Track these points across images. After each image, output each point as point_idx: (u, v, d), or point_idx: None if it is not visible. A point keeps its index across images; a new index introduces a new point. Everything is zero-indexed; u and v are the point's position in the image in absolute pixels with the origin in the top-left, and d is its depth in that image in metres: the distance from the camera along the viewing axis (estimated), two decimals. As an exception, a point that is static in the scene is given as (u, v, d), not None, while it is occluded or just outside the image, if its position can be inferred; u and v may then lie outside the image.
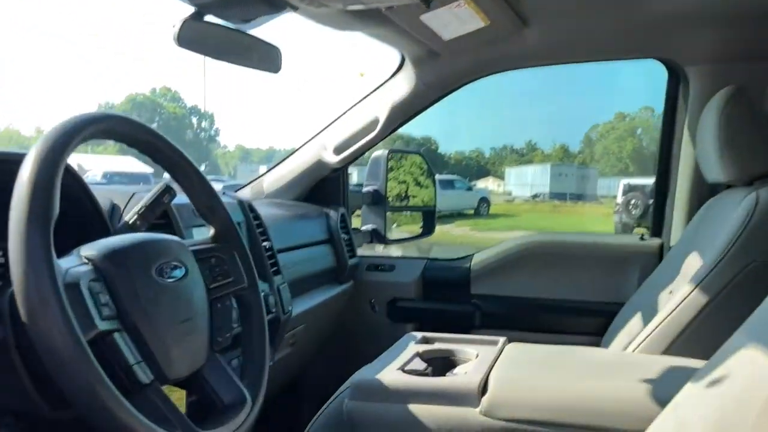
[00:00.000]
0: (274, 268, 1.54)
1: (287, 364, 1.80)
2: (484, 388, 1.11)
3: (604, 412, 1.03)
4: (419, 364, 1.24)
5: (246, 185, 2.19)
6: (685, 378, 1.00)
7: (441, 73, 1.90)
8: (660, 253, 1.98)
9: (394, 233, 2.52)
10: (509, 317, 2.03)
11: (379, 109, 2.01)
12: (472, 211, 19.46)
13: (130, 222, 1.04)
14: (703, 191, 1.86)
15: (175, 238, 0.92)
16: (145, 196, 1.09)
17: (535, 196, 27.29)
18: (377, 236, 2.36)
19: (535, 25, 1.71)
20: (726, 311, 1.36)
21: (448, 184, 19.28)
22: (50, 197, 0.72)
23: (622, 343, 1.62)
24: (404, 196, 2.61)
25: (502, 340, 1.37)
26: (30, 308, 0.66)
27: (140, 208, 1.05)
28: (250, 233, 1.49)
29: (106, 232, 1.07)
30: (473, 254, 2.18)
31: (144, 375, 0.76)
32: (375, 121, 2.00)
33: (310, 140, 2.14)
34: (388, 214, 2.38)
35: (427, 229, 2.53)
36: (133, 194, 1.21)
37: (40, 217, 0.70)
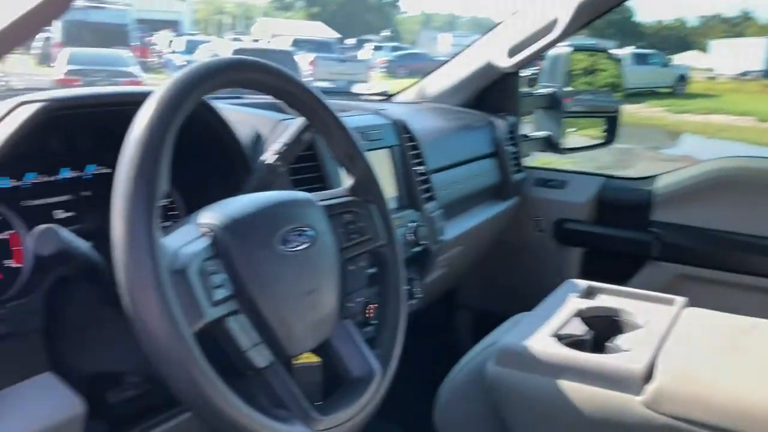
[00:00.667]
0: (428, 194, 1.44)
1: (441, 283, 1.73)
2: (649, 374, 0.96)
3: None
4: (578, 327, 1.10)
5: (409, 87, 2.06)
6: None
7: None
8: None
9: (571, 141, 2.30)
10: (693, 251, 1.79)
11: (561, 4, 1.76)
12: (667, 90, 17.85)
13: (270, 162, 0.97)
14: None
15: (306, 196, 0.84)
16: (287, 129, 1.01)
17: (743, 74, 24.41)
18: (551, 144, 2.16)
19: None
20: None
21: (642, 59, 17.73)
22: (158, 168, 0.65)
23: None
24: (585, 100, 2.35)
25: (678, 302, 1.19)
26: (130, 297, 0.62)
27: (280, 147, 0.98)
28: (404, 158, 1.38)
29: (247, 170, 1.01)
30: (657, 175, 1.92)
31: (260, 358, 0.71)
32: (554, 21, 1.75)
33: (479, 40, 1.94)
34: (565, 119, 2.16)
35: (609, 137, 2.28)
36: (279, 122, 1.13)
37: (145, 193, 0.63)
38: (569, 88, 2.20)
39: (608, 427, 0.95)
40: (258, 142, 1.11)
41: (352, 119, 1.31)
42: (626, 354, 1.00)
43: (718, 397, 0.90)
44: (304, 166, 1.13)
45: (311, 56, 14.24)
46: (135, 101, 0.71)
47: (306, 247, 0.78)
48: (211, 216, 0.73)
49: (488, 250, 1.99)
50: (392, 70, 19.26)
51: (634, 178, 1.98)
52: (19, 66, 11.41)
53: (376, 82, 16.33)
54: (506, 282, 2.07)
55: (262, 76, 0.81)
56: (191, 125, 0.95)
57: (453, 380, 1.17)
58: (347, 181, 0.93)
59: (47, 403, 0.78)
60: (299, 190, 1.08)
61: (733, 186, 1.77)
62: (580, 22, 1.73)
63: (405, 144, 1.39)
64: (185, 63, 14.07)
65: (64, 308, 0.80)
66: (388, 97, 2.08)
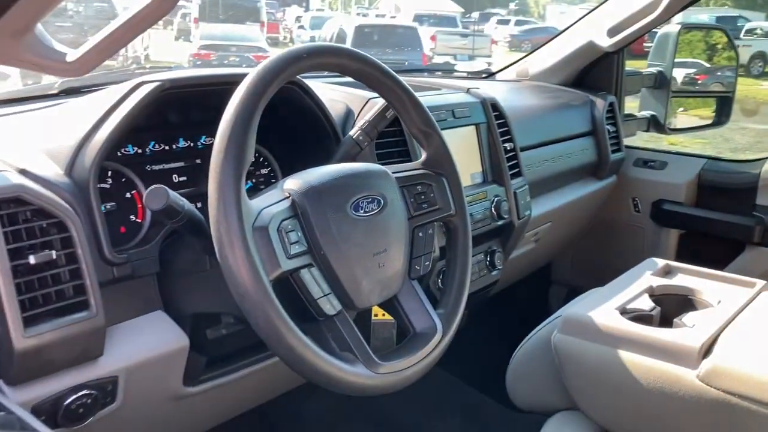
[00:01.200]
0: (515, 170, 1.49)
1: (531, 257, 1.79)
2: (708, 349, 0.98)
3: None
4: (645, 303, 1.13)
5: (510, 65, 2.10)
6: None
7: None
8: None
9: (678, 121, 2.26)
10: None
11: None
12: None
13: (355, 136, 1.08)
14: None
15: (379, 168, 0.93)
16: (374, 107, 1.11)
17: None
18: (656, 124, 2.13)
19: None
20: None
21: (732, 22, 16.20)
22: (245, 141, 0.77)
23: None
24: (695, 80, 2.29)
25: (759, 284, 1.19)
26: (220, 248, 0.74)
27: (364, 123, 1.08)
28: (490, 134, 1.44)
29: (338, 143, 1.12)
30: (765, 158, 1.86)
31: (330, 306, 0.82)
32: (656, 1, 1.73)
33: (580, 19, 1.94)
34: (672, 99, 2.12)
35: (721, 118, 2.21)
36: (368, 100, 1.23)
37: (234, 162, 0.75)
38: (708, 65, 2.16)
39: (664, 398, 0.98)
40: (348, 118, 1.22)
41: (441, 98, 1.40)
42: (688, 330, 1.02)
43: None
44: (391, 141, 1.23)
45: (433, 30, 14.25)
46: (234, 81, 0.83)
47: (375, 213, 0.88)
48: (293, 183, 0.85)
49: (584, 229, 2.01)
50: (516, 44, 18.88)
51: (738, 160, 1.93)
52: (159, 40, 12.23)
53: (499, 57, 16.10)
54: (601, 260, 2.08)
55: (340, 59, 0.90)
56: (288, 103, 1.07)
57: (524, 346, 1.23)
58: (423, 155, 1.02)
59: (158, 336, 0.94)
60: (384, 161, 1.19)
61: None
62: (683, 1, 1.71)
63: (493, 121, 1.45)
64: (311, 38, 14.54)
65: (174, 257, 0.95)
66: (490, 74, 2.13)
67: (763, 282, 1.20)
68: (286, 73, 0.83)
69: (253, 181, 1.18)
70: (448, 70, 2.33)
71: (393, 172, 0.96)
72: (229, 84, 0.86)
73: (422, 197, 0.98)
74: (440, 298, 0.99)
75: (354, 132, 1.08)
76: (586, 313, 1.08)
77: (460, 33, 14.82)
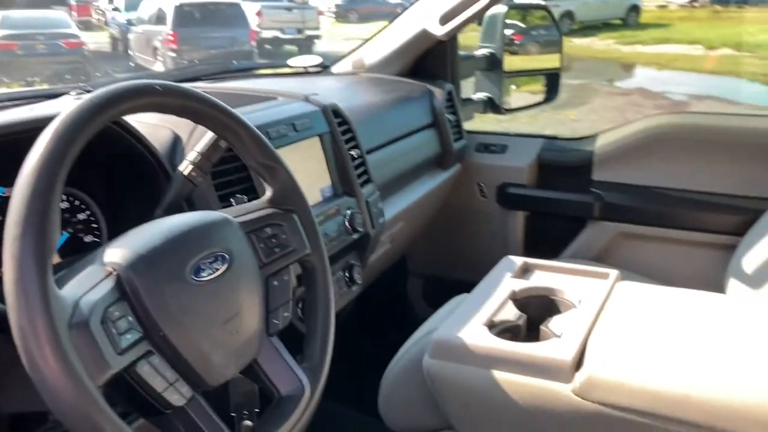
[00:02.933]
0: (364, 178, 1.42)
1: (386, 258, 1.74)
2: (579, 361, 0.98)
3: (726, 412, 0.88)
4: (511, 312, 1.11)
5: (345, 57, 2.01)
6: None
7: None
8: None
9: (513, 100, 2.30)
10: (634, 209, 1.82)
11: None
12: (619, 21, 17.83)
13: (187, 172, 0.94)
14: None
15: (219, 217, 0.82)
16: (205, 135, 0.98)
17: (692, 1, 24.47)
18: (492, 105, 2.15)
19: None
20: None
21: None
22: (47, 216, 0.62)
23: (766, 270, 1.40)
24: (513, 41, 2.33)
25: (612, 276, 1.21)
26: (28, 359, 0.60)
27: (195, 157, 0.95)
28: (336, 144, 1.36)
29: (167, 178, 0.99)
30: (598, 134, 1.93)
31: (179, 396, 0.70)
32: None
33: (414, 6, 1.90)
34: (505, 79, 2.15)
35: (551, 94, 2.27)
36: (196, 126, 1.09)
37: (36, 244, 0.61)
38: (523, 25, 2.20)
39: (541, 415, 0.97)
40: (176, 147, 1.08)
41: (278, 110, 1.29)
42: (556, 342, 1.01)
43: (647, 384, 0.92)
44: (230, 168, 1.11)
45: (258, 6, 13.83)
46: (35, 128, 0.68)
47: (221, 273, 0.77)
48: (116, 253, 0.71)
49: (434, 218, 2.00)
50: (342, 14, 18.85)
51: (573, 138, 1.99)
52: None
53: (326, 28, 15.99)
54: (454, 248, 2.08)
55: (159, 99, 0.77)
56: (101, 138, 0.91)
57: (394, 369, 1.18)
58: (267, 191, 0.91)
59: None
60: (226, 196, 1.07)
61: (669, 143, 1.79)
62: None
63: (336, 129, 1.37)
64: (127, 21, 13.59)
65: None
66: (324, 68, 2.04)
67: (616, 272, 1.22)
68: (96, 122, 0.69)
69: (71, 230, 1.01)
70: (280, 65, 2.20)
71: (236, 217, 0.85)
72: (28, 131, 0.70)
73: (273, 240, 0.88)
74: (304, 350, 0.90)
75: (184, 167, 0.94)
76: (455, 334, 1.04)
77: (285, 7, 14.49)
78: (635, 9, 18.59)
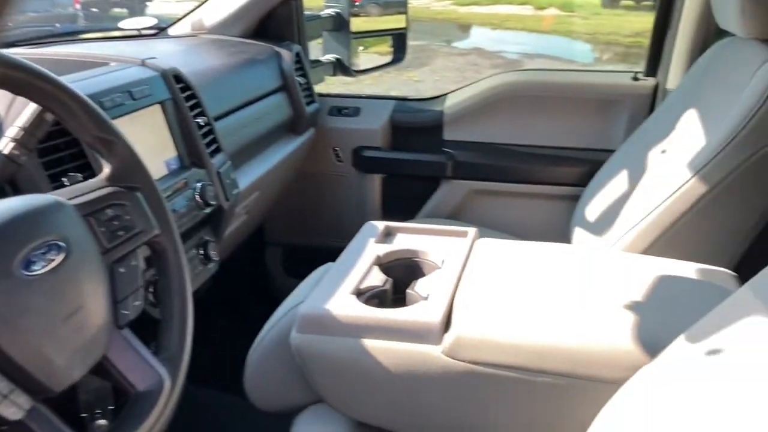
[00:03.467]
0: (213, 147, 1.33)
1: (243, 229, 1.66)
2: (447, 322, 0.98)
3: (585, 359, 0.91)
4: (377, 277, 1.09)
5: (183, 17, 1.88)
6: (689, 313, 0.88)
7: None
8: (654, 95, 1.77)
9: (361, 61, 2.26)
10: (485, 167, 1.87)
11: None
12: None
13: (7, 151, 0.82)
14: (710, 32, 1.61)
15: (51, 201, 0.71)
16: (26, 107, 0.86)
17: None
18: (342, 67, 2.11)
19: None
20: (722, 204, 1.20)
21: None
22: None
23: (605, 217, 1.49)
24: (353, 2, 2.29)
25: (471, 234, 1.22)
26: None
27: (17, 133, 0.82)
28: (180, 112, 1.26)
29: None
30: (446, 94, 1.95)
31: (16, 408, 0.61)
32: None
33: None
34: (353, 40, 2.11)
35: (399, 54, 2.27)
36: (15, 97, 0.96)
37: None
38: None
39: (414, 380, 0.96)
40: (-6, 122, 0.94)
41: (112, 77, 1.16)
42: (424, 304, 1.00)
43: (512, 338, 0.94)
44: (60, 144, 0.98)
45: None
46: None
47: (57, 264, 0.67)
48: None
49: (290, 186, 1.94)
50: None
51: (424, 98, 2.00)
52: None
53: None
54: (313, 215, 2.04)
55: None
56: None
57: (259, 347, 1.13)
58: (104, 168, 0.81)
59: None
60: (57, 175, 0.95)
61: (513, 100, 1.85)
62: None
63: (179, 95, 1.26)
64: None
65: None
66: (161, 30, 1.89)
67: (474, 230, 1.24)
68: None
69: None
70: (110, 28, 2.02)
71: (70, 199, 0.75)
72: None
73: (115, 223, 0.79)
74: (161, 339, 0.83)
75: (3, 145, 0.82)
76: (322, 306, 1.00)
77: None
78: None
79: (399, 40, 2.23)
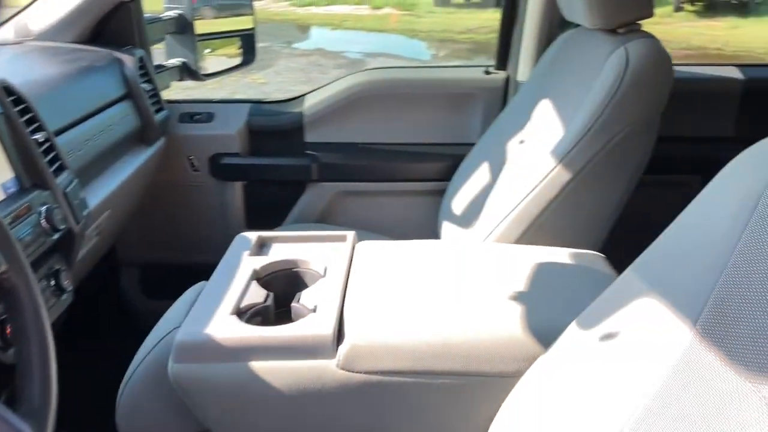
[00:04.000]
0: (56, 164, 1.19)
1: (94, 252, 1.52)
2: (339, 335, 0.93)
3: (481, 355, 0.91)
4: (257, 293, 1.03)
5: (4, 23, 1.68)
6: (572, 301, 0.89)
7: None
8: (506, 88, 1.83)
9: (209, 64, 2.15)
10: (350, 167, 1.84)
11: None
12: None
13: None
14: (555, 25, 1.69)
15: None
16: None
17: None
18: (189, 71, 1.99)
19: None
20: (587, 189, 1.25)
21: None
22: None
23: (472, 210, 1.51)
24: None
25: (350, 237, 1.19)
26: None
27: None
28: (13, 128, 1.11)
29: None
30: (304, 95, 1.90)
31: None
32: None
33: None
34: (199, 43, 2.00)
35: (248, 56, 2.18)
36: None
37: None
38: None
39: (309, 397, 0.91)
40: None
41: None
42: (313, 318, 0.95)
43: (406, 343, 0.91)
44: None
45: None
46: None
47: None
48: None
49: (144, 200, 1.80)
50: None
51: (281, 100, 1.94)
52: None
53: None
54: (171, 230, 1.91)
55: None
56: None
57: (131, 382, 1.02)
58: None
59: None
60: None
61: (373, 98, 1.84)
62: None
63: (11, 110, 1.12)
64: None
65: None
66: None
67: (352, 233, 1.20)
68: None
69: None
70: None
71: None
72: None
73: None
74: (19, 388, 0.71)
75: None
76: (201, 330, 0.92)
77: None
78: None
79: (247, 41, 2.14)
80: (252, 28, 2.15)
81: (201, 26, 1.99)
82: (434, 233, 1.66)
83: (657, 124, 1.26)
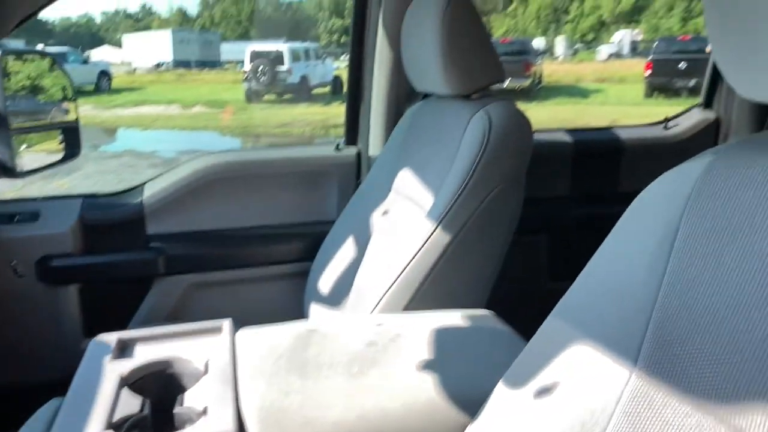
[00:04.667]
0: None
1: None
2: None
3: (400, 428, 0.83)
4: (131, 403, 0.87)
5: None
6: (481, 362, 0.84)
7: None
8: (358, 162, 1.82)
9: (27, 161, 1.93)
10: (202, 257, 1.70)
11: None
12: (91, 87, 17.57)
13: None
14: (402, 96, 1.72)
15: None
16: None
17: (158, 66, 25.84)
18: (3, 169, 1.76)
19: None
20: (467, 248, 1.24)
21: (60, 58, 16.99)
22: None
23: (344, 287, 1.45)
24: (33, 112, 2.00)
25: (225, 327, 1.07)
26: None
27: None
28: None
29: None
30: (143, 184, 1.76)
31: None
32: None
33: None
34: (15, 137, 1.79)
35: (72, 150, 1.99)
36: None
37: None
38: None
39: None
40: None
41: None
42: (205, 421, 0.82)
43: (320, 424, 0.81)
44: None
45: None
46: None
47: None
48: None
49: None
50: None
51: (118, 192, 1.77)
52: None
53: None
54: (5, 350, 1.63)
55: None
56: None
57: None
58: None
59: None
60: None
61: (221, 182, 1.73)
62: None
63: None
64: None
65: None
66: None
67: (227, 321, 1.08)
68: None
69: None
70: None
71: None
72: None
73: None
74: None
75: None
76: None
77: None
78: (106, 74, 18.64)
79: (70, 134, 1.96)
80: (75, 120, 1.97)
81: (16, 119, 1.79)
82: (301, 317, 1.57)
83: (524, 181, 1.30)
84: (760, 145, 0.61)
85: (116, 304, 1.67)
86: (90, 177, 8.02)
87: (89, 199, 1.71)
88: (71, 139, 1.97)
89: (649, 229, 0.66)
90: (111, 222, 1.68)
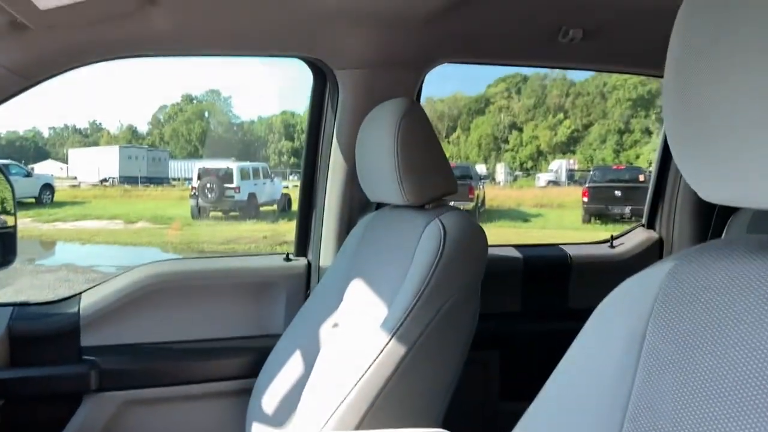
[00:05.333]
0: None
1: None
2: None
3: None
4: None
5: None
6: None
7: (32, 53, 1.35)
8: (308, 274, 1.78)
9: (-46, 267, 1.83)
10: (137, 372, 1.60)
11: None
12: (32, 200, 17.24)
13: None
14: (354, 208, 1.72)
15: None
16: None
17: (103, 181, 25.69)
18: (-73, 275, 1.66)
19: (164, 5, 1.31)
20: (423, 361, 1.20)
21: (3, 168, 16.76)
22: None
23: (290, 404, 1.37)
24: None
25: None
26: None
27: None
28: None
29: None
30: (80, 294, 1.67)
31: None
32: None
33: None
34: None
35: (7, 257, 1.89)
36: None
37: None
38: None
39: None
40: None
41: None
42: None
43: None
44: None
45: None
46: None
47: None
48: None
49: None
50: None
51: (50, 302, 1.67)
52: None
53: None
54: None
55: None
56: None
57: None
58: None
59: None
60: None
61: (162, 293, 1.66)
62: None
63: None
64: None
65: None
66: None
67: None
68: None
69: None
70: None
71: None
72: None
73: None
74: None
75: None
76: None
77: None
78: (49, 187, 18.40)
79: (6, 240, 1.88)
80: (12, 226, 1.90)
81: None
82: (243, 436, 1.47)
83: (479, 291, 1.28)
84: (717, 250, 0.61)
85: (41, 423, 1.54)
86: (22, 292, 7.72)
87: (21, 307, 1.61)
88: (7, 245, 1.88)
89: (614, 336, 0.64)
90: (42, 332, 1.57)
